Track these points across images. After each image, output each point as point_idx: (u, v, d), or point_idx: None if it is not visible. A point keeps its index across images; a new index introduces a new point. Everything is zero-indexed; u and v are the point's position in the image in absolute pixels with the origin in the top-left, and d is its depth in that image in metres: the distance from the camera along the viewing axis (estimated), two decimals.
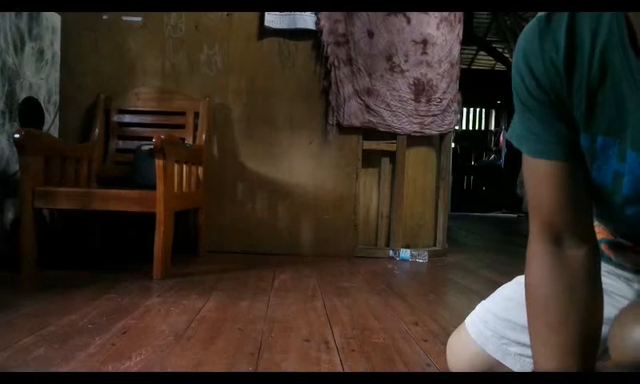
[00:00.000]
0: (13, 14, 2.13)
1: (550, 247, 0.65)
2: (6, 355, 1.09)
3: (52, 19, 2.47)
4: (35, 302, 1.54)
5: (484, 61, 9.12)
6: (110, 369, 1.03)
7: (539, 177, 0.64)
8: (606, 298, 0.68)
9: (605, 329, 0.68)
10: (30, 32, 2.27)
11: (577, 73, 0.58)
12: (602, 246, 0.79)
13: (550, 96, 0.60)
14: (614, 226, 0.76)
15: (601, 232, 0.79)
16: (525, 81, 0.61)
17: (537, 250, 0.67)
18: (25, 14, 2.23)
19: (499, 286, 0.96)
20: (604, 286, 0.68)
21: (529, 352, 0.70)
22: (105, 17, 2.67)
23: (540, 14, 0.60)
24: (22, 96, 2.23)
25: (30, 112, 2.28)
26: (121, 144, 2.60)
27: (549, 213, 0.65)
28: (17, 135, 1.90)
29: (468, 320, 0.95)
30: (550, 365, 0.63)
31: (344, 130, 2.77)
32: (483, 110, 9.97)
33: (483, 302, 0.96)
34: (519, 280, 0.88)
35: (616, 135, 0.59)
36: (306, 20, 2.73)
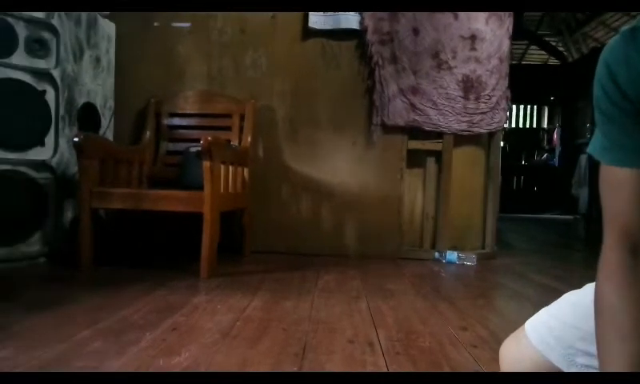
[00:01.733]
0: (72, 24, 2.26)
1: (625, 257, 0.64)
2: (65, 347, 1.14)
3: (108, 27, 2.59)
4: (91, 298, 1.62)
5: (536, 55, 8.74)
6: (160, 363, 1.07)
7: (619, 186, 0.64)
8: None
9: None
10: (88, 40, 2.40)
11: None
12: None
13: (635, 104, 0.60)
14: None
15: None
16: (608, 92, 0.62)
17: (611, 259, 0.65)
18: (84, 24, 2.35)
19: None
20: None
21: (596, 364, 0.67)
22: (156, 24, 2.78)
23: (624, 28, 0.61)
24: (81, 101, 2.35)
25: (87, 116, 2.40)
26: (170, 146, 2.69)
27: (628, 223, 0.64)
28: (76, 139, 2.01)
29: (529, 325, 0.90)
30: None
31: (388, 129, 2.73)
32: (535, 107, 9.55)
33: (547, 307, 0.91)
34: (589, 286, 0.83)
35: None
36: (349, 20, 2.72)
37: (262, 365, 1.09)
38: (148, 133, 2.65)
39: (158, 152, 2.67)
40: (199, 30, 2.78)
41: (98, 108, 2.50)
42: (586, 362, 0.80)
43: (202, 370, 1.05)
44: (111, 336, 1.23)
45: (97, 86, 2.49)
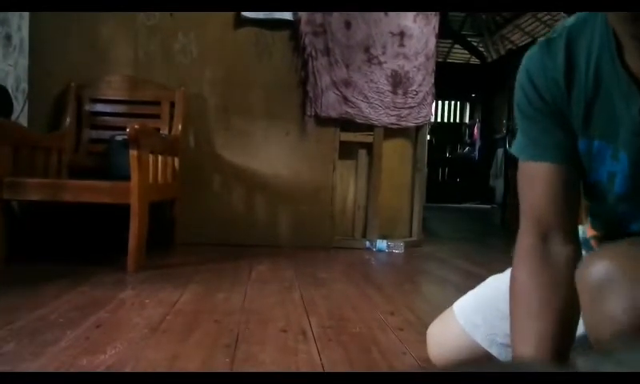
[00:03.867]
0: None
1: (538, 243, 0.70)
2: None
3: None
4: (4, 297, 1.50)
5: (459, 54, 9.22)
6: (84, 363, 1.02)
7: (534, 179, 0.71)
8: None
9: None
10: None
11: (575, 86, 0.66)
12: (592, 242, 0.83)
13: (550, 106, 0.68)
14: (607, 224, 0.80)
15: (591, 230, 0.83)
16: (528, 95, 0.70)
17: (525, 245, 0.72)
18: None
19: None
20: None
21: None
22: None
23: (541, 39, 0.69)
24: None
25: None
26: (94, 134, 2.53)
27: (541, 212, 0.70)
28: None
29: (456, 307, 0.97)
30: (526, 349, 0.66)
31: (321, 121, 2.77)
32: (458, 103, 10.09)
33: (473, 290, 0.98)
34: (509, 271, 0.91)
35: (610, 138, 0.66)
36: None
37: (192, 358, 1.08)
38: (68, 119, 2.47)
39: (80, 140, 2.51)
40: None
41: (10, 91, 2.29)
42: (504, 341, 0.88)
43: (130, 366, 1.02)
44: (26, 337, 1.15)
45: (7, 67, 2.28)
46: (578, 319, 0.68)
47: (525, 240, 0.72)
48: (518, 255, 0.72)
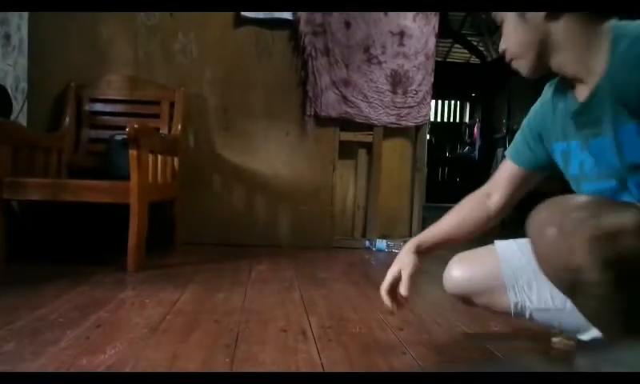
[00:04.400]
0: None
1: (481, 195, 1.16)
2: None
3: None
4: (4, 297, 1.50)
5: (459, 54, 9.21)
6: (84, 363, 1.02)
7: (503, 169, 1.14)
8: None
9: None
10: None
11: (557, 108, 0.97)
12: None
13: (537, 124, 1.04)
14: None
15: None
16: (535, 118, 1.05)
17: (477, 193, 1.17)
18: None
19: None
20: None
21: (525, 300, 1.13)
22: None
23: (549, 82, 1.00)
24: None
25: None
26: (93, 134, 2.53)
27: (495, 184, 1.14)
28: None
29: (498, 241, 1.20)
30: (438, 224, 1.22)
31: (321, 121, 2.77)
32: (458, 102, 10.08)
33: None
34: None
35: (577, 137, 0.93)
36: None
37: (192, 358, 1.08)
38: (68, 119, 2.47)
39: (79, 140, 2.51)
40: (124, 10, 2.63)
41: (9, 90, 2.29)
42: (525, 284, 1.13)
43: (130, 366, 1.02)
44: (27, 337, 1.15)
45: (7, 67, 2.28)
46: (476, 230, 1.16)
47: (479, 192, 1.16)
48: (471, 194, 1.17)
